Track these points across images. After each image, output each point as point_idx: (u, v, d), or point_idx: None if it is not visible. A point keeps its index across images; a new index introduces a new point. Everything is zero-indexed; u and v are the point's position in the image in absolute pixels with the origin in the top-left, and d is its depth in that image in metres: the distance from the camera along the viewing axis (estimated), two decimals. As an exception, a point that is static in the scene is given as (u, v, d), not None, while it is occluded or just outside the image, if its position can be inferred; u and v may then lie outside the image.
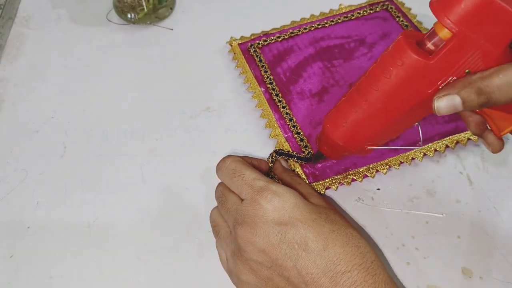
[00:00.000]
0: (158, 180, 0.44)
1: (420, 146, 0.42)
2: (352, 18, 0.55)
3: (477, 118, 0.35)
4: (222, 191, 0.38)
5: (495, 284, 0.37)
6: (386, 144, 0.39)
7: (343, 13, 0.56)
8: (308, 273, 0.31)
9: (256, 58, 0.51)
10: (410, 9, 0.56)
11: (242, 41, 0.53)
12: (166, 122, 0.48)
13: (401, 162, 0.43)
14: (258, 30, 0.54)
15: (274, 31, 0.54)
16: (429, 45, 0.30)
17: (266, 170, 0.42)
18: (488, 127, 0.35)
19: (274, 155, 0.43)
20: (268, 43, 0.53)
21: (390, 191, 0.42)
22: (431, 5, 0.29)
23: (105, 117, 0.49)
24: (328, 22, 0.54)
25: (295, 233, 0.32)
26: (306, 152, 0.44)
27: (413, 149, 0.43)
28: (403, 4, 0.56)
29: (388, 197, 0.42)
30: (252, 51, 0.52)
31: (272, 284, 0.33)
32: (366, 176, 0.43)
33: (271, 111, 0.47)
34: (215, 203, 0.42)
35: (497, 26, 0.28)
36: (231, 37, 0.54)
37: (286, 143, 0.45)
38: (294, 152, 0.43)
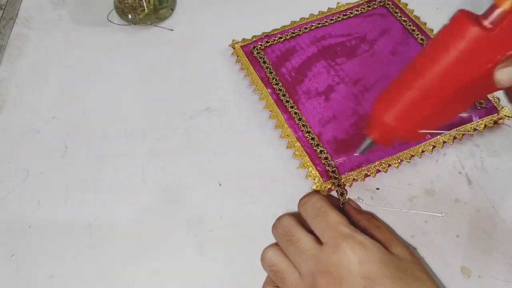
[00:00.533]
0: (158, 180, 0.44)
1: (472, 133, 0.41)
2: (351, 16, 0.55)
3: None
4: (290, 228, 0.34)
5: (494, 283, 0.37)
6: (439, 129, 0.37)
7: (342, 11, 0.56)
8: None
9: (260, 60, 0.51)
10: (406, 4, 0.56)
11: (244, 43, 0.53)
12: (167, 122, 0.48)
13: (412, 156, 0.44)
14: (258, 31, 0.54)
15: (275, 32, 0.54)
16: (486, 23, 0.30)
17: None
18: None
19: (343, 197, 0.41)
20: (271, 44, 0.53)
21: (389, 190, 0.42)
22: None
23: (105, 117, 0.49)
24: (328, 20, 0.55)
25: None
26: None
27: (464, 133, 0.43)
28: (399, 0, 0.56)
29: (387, 197, 0.42)
30: (255, 53, 0.52)
31: None
32: (379, 171, 0.43)
33: (279, 112, 0.47)
34: (215, 203, 0.42)
35: None
36: (233, 40, 0.54)
37: (297, 143, 0.45)
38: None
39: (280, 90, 0.49)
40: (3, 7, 0.59)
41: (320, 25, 0.54)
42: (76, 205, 0.43)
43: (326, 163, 0.43)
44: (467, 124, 0.45)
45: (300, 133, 0.45)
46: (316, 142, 0.45)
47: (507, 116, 0.45)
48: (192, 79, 0.52)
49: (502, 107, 0.46)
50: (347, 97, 0.48)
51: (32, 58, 0.55)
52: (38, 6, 0.60)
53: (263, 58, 0.51)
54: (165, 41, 0.56)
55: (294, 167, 0.44)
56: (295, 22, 0.55)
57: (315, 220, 0.34)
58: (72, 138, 0.47)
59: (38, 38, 0.57)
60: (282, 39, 0.53)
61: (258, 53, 0.52)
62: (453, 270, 0.38)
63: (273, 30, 0.54)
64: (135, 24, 0.57)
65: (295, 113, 0.47)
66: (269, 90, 0.49)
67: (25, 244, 0.40)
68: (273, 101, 0.48)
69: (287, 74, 0.50)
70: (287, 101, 0.48)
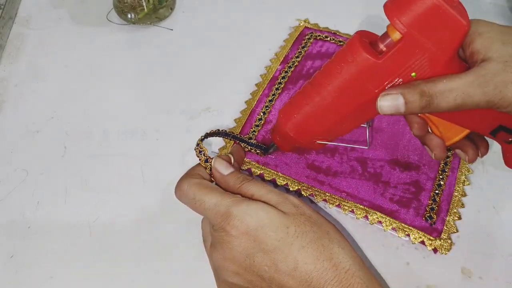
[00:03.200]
0: (158, 180, 0.44)
1: (366, 147, 0.43)
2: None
3: (420, 120, 0.36)
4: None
5: (495, 284, 0.37)
6: (335, 141, 0.39)
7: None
8: None
9: (303, 43, 0.53)
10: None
11: (310, 27, 0.55)
12: (166, 122, 0.48)
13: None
14: (258, 30, 0.54)
15: (337, 33, 0.55)
16: (382, 46, 0.31)
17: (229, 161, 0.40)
18: (430, 131, 0.36)
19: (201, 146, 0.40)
20: (325, 41, 0.54)
21: (389, 191, 0.42)
22: (384, 6, 0.30)
23: (105, 117, 0.49)
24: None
25: (263, 257, 0.31)
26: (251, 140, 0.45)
27: (358, 147, 0.44)
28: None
29: (387, 197, 0.42)
30: (307, 37, 0.54)
31: None
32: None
33: (265, 86, 0.49)
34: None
35: (445, 32, 0.28)
36: (302, 19, 0.56)
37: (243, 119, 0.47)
38: (246, 137, 0.45)
39: (286, 72, 0.50)
40: (2, 6, 0.59)
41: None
42: (76, 205, 0.43)
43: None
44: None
45: (258, 112, 0.48)
46: (258, 129, 0.46)
47: None
48: (192, 79, 0.52)
49: None
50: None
51: (32, 58, 0.55)
52: (37, 5, 0.60)
53: (307, 44, 0.53)
54: (164, 41, 0.56)
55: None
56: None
57: (195, 209, 0.35)
58: (72, 138, 0.47)
59: (38, 38, 0.57)
60: (337, 43, 0.53)
61: (309, 38, 0.54)
62: (454, 270, 0.38)
63: (336, 31, 0.55)
64: (134, 23, 0.57)
65: (273, 94, 0.49)
66: (279, 67, 0.51)
67: (25, 245, 0.40)
68: (271, 77, 0.50)
69: (308, 66, 0.51)
70: (280, 83, 0.50)
